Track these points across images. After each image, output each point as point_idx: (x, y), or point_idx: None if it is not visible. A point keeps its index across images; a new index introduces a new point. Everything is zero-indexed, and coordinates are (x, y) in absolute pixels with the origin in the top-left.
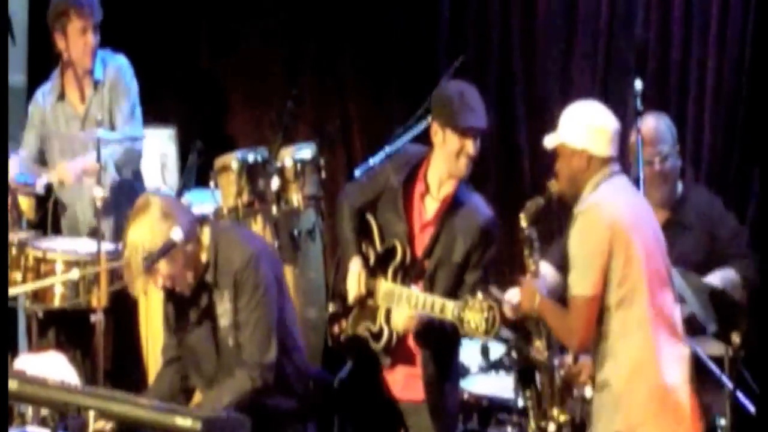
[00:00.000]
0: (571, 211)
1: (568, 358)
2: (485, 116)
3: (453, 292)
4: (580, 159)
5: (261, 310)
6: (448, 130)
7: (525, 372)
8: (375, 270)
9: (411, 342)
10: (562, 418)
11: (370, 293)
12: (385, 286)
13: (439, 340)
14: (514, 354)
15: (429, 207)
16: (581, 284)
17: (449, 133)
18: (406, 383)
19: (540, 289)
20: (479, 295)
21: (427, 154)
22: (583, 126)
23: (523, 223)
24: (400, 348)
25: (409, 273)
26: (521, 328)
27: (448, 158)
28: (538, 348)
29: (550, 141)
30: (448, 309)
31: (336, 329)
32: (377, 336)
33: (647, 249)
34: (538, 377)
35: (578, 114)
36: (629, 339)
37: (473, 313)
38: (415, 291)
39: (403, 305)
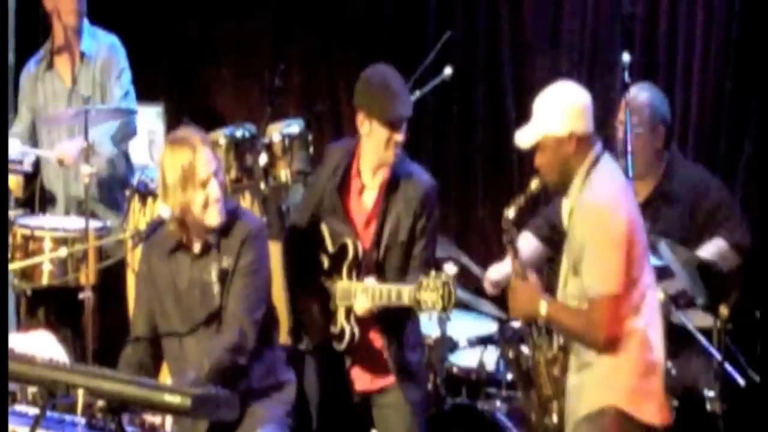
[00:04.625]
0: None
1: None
2: (410, 102)
3: (404, 268)
4: (568, 144)
5: (259, 276)
6: (375, 121)
7: (524, 377)
8: (330, 272)
9: (372, 335)
10: None
11: (327, 296)
12: (340, 285)
13: (398, 317)
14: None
15: (368, 200)
16: (605, 284)
17: (376, 125)
18: (373, 376)
19: (540, 292)
20: (432, 273)
21: (354, 148)
22: (562, 110)
23: (506, 225)
24: (363, 346)
25: (362, 268)
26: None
27: (376, 148)
28: (538, 346)
29: (527, 138)
30: (404, 295)
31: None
32: (339, 337)
33: (643, 238)
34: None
35: (552, 100)
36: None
37: (428, 292)
38: (370, 283)
39: (360, 298)
